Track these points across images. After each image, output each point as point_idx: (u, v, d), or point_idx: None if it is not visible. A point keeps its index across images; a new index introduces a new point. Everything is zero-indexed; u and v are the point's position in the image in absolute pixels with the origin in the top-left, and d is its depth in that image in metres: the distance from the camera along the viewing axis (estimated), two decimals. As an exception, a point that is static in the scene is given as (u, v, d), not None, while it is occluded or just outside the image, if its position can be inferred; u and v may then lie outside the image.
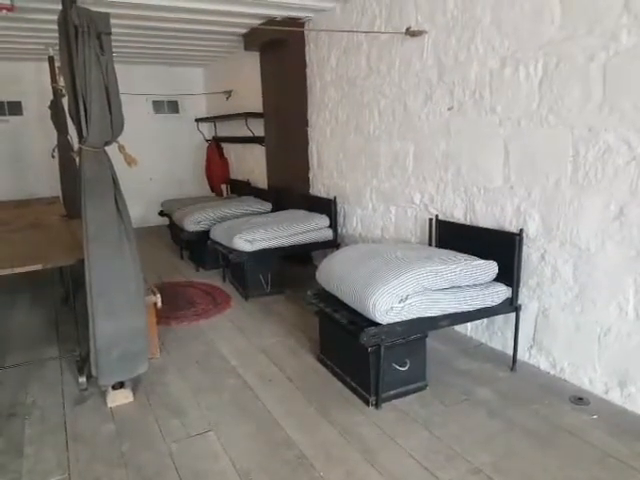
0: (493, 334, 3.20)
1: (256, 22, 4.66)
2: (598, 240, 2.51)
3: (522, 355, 2.98)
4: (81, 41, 2.26)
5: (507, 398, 2.60)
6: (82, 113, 2.35)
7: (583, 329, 2.65)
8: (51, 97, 4.72)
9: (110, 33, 2.36)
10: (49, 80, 4.65)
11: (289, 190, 5.19)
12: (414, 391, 2.67)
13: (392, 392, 2.61)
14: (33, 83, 6.36)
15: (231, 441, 2.32)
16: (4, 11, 3.67)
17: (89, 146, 2.41)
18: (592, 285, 2.57)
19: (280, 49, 4.84)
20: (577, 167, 2.55)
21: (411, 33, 3.40)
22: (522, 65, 2.75)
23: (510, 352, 2.96)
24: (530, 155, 2.78)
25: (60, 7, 2.30)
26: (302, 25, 4.74)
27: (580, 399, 2.57)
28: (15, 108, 6.64)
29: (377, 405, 2.55)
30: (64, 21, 2.30)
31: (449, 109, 3.26)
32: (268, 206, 5.41)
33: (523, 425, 2.37)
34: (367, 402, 2.58)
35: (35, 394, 2.79)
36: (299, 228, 4.34)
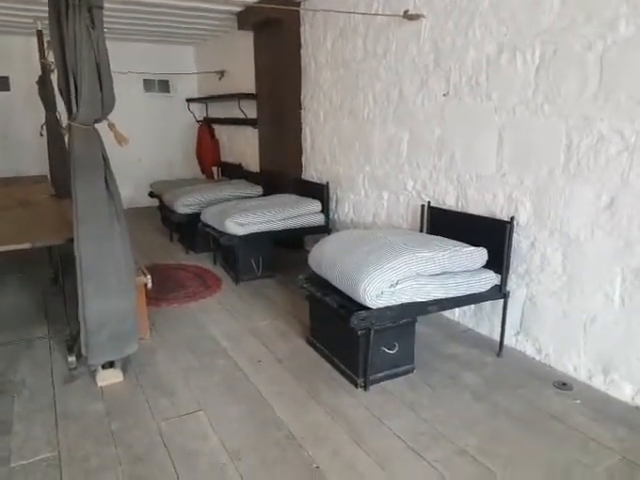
0: (481, 320, 3.24)
1: (250, 0, 4.58)
2: (588, 229, 2.54)
3: (509, 341, 3.02)
4: (72, 14, 2.20)
5: (493, 382, 2.65)
6: (72, 89, 2.29)
7: (569, 316, 2.69)
8: (39, 73, 4.61)
9: (102, 7, 2.30)
10: (37, 55, 4.54)
11: (281, 174, 5.15)
12: (402, 374, 2.71)
13: (380, 375, 2.64)
14: (21, 58, 6.20)
15: (221, 421, 2.35)
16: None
17: (79, 123, 2.37)
18: (580, 273, 2.61)
19: (275, 29, 4.77)
20: (570, 156, 2.56)
21: (409, 17, 3.36)
22: (519, 52, 2.74)
23: (497, 338, 3.01)
24: (524, 143, 2.79)
25: (50, -22, 2.24)
26: (298, 5, 4.66)
27: (564, 384, 2.62)
28: (2, 83, 6.48)
29: (365, 387, 2.58)
30: (54, -7, 2.24)
31: (444, 95, 3.25)
32: (259, 190, 5.38)
33: (508, 409, 2.42)
34: (355, 384, 2.61)
35: (24, 373, 2.77)
36: (291, 212, 4.33)
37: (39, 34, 4.44)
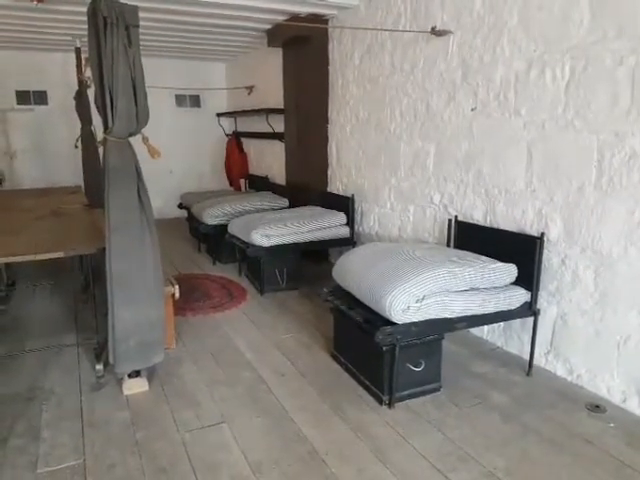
0: (510, 338, 3.17)
1: (280, 18, 4.68)
2: (621, 247, 2.47)
3: (538, 360, 2.94)
4: (110, 33, 2.29)
5: (522, 403, 2.58)
6: (108, 104, 2.38)
7: (602, 336, 2.60)
8: (76, 88, 4.79)
9: (138, 25, 2.39)
10: (75, 71, 4.72)
11: (307, 187, 5.19)
12: (428, 392, 2.65)
13: (406, 392, 2.60)
14: (59, 74, 6.46)
15: (244, 434, 2.34)
16: (35, 2, 3.75)
17: (114, 136, 2.44)
18: (613, 291, 2.53)
19: (303, 46, 4.84)
20: (602, 172, 2.51)
21: (436, 33, 3.37)
22: (549, 68, 2.71)
23: (526, 357, 2.93)
24: (554, 159, 2.74)
25: (89, -1, 2.34)
26: (326, 22, 4.74)
27: (597, 407, 2.53)
28: (41, 98, 6.77)
29: (390, 405, 2.54)
30: (93, 13, 2.33)
31: (472, 110, 3.23)
32: (285, 202, 5.43)
33: (537, 431, 2.34)
34: (380, 401, 2.57)
35: (53, 380, 2.84)
36: (316, 225, 4.35)
37: (77, 51, 4.63)
